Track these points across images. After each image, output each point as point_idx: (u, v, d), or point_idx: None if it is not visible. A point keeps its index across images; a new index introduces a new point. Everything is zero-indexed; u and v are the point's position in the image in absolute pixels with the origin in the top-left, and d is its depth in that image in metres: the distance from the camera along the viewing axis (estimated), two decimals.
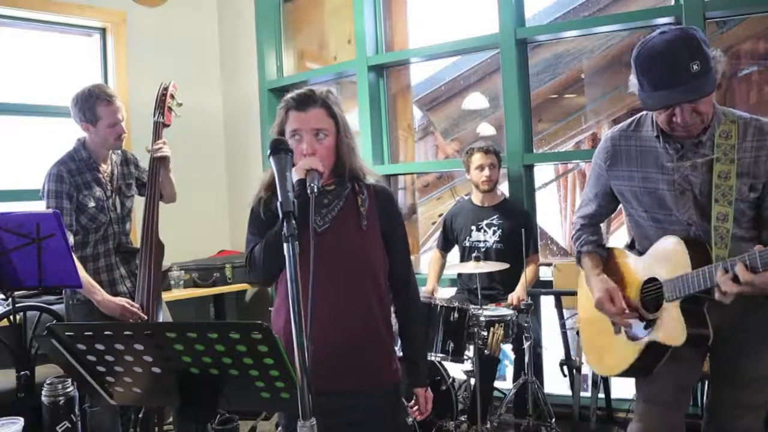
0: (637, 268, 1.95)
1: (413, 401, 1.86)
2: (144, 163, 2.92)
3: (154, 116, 2.88)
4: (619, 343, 1.97)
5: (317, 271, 1.47)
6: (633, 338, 1.91)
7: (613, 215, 2.24)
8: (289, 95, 1.76)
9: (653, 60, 1.69)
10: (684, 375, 1.91)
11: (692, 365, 1.92)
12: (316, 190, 1.52)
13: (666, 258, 1.83)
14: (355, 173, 1.77)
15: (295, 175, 1.57)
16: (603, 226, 2.20)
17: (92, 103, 2.65)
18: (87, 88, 2.69)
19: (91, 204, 2.67)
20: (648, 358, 1.88)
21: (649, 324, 1.87)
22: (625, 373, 1.96)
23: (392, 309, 1.91)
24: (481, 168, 3.40)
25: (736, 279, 1.58)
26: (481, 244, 3.40)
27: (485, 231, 3.42)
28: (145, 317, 2.64)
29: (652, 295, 1.87)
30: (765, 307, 1.80)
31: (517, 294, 3.23)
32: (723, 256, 1.72)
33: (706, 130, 1.78)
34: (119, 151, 2.87)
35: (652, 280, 1.88)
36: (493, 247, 3.38)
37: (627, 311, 1.90)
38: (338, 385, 1.68)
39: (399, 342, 1.94)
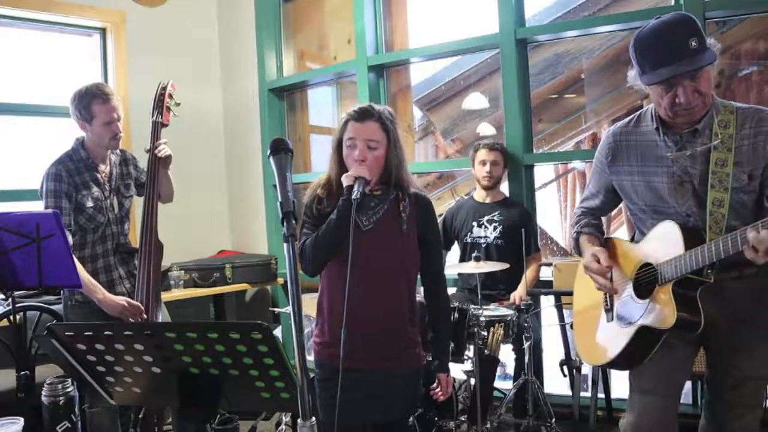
0: (634, 253, 1.96)
1: (436, 384, 2.10)
2: (143, 163, 2.91)
3: (153, 116, 2.86)
4: (611, 329, 1.98)
5: (357, 265, 1.78)
6: (625, 325, 1.92)
7: (613, 213, 2.25)
8: (351, 108, 1.99)
9: (652, 40, 1.73)
10: (677, 365, 1.91)
11: (685, 356, 1.93)
12: (359, 196, 1.81)
13: (661, 241, 1.84)
14: (401, 182, 2.01)
15: (345, 180, 1.89)
16: (603, 221, 2.20)
17: (88, 101, 2.63)
18: (85, 86, 2.67)
19: (89, 204, 2.65)
20: (639, 344, 1.87)
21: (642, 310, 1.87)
22: (615, 361, 1.95)
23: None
24: (483, 163, 3.43)
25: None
26: (482, 240, 3.40)
27: (486, 227, 3.42)
28: (145, 315, 2.64)
29: (647, 279, 1.88)
30: (757, 295, 1.81)
31: (519, 293, 3.23)
32: None
33: (703, 118, 1.79)
34: (118, 151, 2.85)
35: (647, 266, 1.89)
36: (494, 243, 3.38)
37: (611, 272, 1.92)
38: (368, 365, 1.95)
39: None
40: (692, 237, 1.76)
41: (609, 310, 2.01)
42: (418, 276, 2.12)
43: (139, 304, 2.64)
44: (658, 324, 1.79)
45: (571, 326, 2.34)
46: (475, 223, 3.45)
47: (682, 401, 2.04)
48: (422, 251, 2.04)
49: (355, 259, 1.77)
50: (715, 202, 1.77)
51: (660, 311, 1.80)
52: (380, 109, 1.98)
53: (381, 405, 1.97)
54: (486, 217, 3.43)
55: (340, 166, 1.99)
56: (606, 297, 2.03)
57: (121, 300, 2.62)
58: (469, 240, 3.44)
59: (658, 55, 1.71)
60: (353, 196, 1.81)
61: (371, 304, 1.94)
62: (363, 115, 1.95)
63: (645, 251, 1.91)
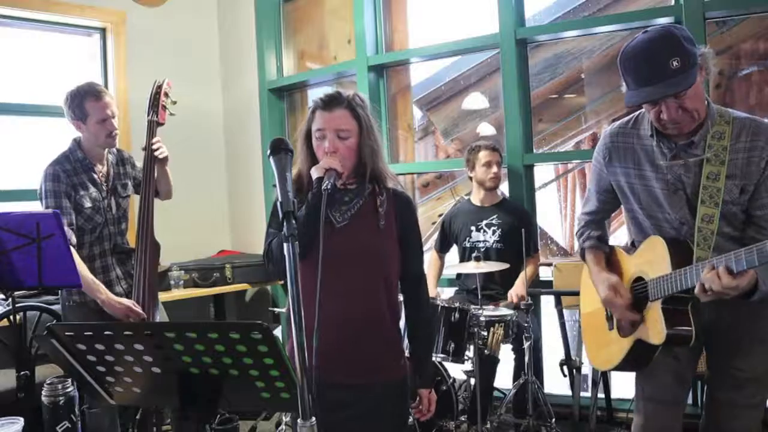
0: (628, 266, 1.97)
1: (417, 401, 1.89)
2: (140, 162, 2.90)
3: (149, 115, 2.86)
4: (613, 338, 1.99)
5: (332, 266, 1.58)
6: (624, 335, 1.93)
7: (613, 215, 2.25)
8: (319, 96, 1.82)
9: (634, 59, 1.72)
10: (681, 371, 1.92)
11: (689, 360, 1.94)
12: (329, 187, 1.62)
13: (650, 258, 1.85)
14: (377, 175, 1.82)
15: (314, 173, 1.69)
16: (607, 226, 2.20)
17: (80, 100, 2.63)
18: (77, 86, 2.67)
19: (87, 204, 2.65)
20: (637, 355, 1.90)
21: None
22: (619, 368, 1.99)
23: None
24: (488, 165, 3.41)
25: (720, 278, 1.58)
26: (481, 244, 3.40)
27: (485, 231, 3.42)
28: (146, 318, 2.63)
29: (640, 293, 1.89)
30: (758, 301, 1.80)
31: (516, 291, 3.23)
32: (705, 257, 1.73)
33: (698, 130, 1.78)
34: (115, 151, 2.85)
35: (639, 279, 1.90)
36: (493, 246, 3.38)
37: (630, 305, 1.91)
38: (347, 379, 1.75)
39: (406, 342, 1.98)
40: (680, 254, 1.76)
41: (610, 318, 2.02)
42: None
43: (141, 311, 2.63)
44: (652, 339, 1.81)
45: (579, 325, 2.35)
46: (473, 228, 3.45)
47: None
48: (402, 253, 1.85)
49: (327, 259, 1.55)
50: (705, 218, 1.76)
51: (652, 327, 1.81)
52: (349, 94, 1.80)
53: (365, 426, 1.77)
54: (484, 221, 3.43)
55: (311, 160, 1.81)
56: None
57: (127, 302, 2.61)
58: (468, 244, 3.44)
59: (638, 75, 1.71)
60: (323, 186, 1.63)
61: (348, 309, 1.75)
62: (330, 102, 1.77)
63: (637, 265, 1.92)
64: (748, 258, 1.53)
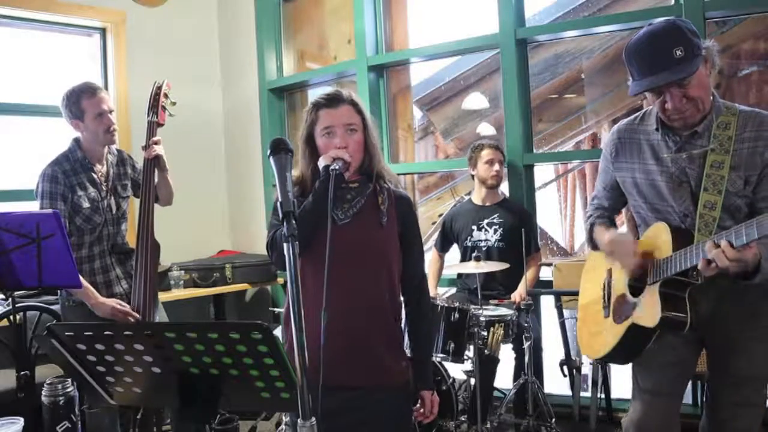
0: None
1: (419, 404, 1.87)
2: (140, 164, 2.90)
3: (148, 116, 2.86)
4: (607, 325, 1.99)
5: (334, 263, 1.57)
6: (619, 321, 1.93)
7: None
8: (318, 97, 1.84)
9: (639, 49, 1.74)
10: (680, 366, 1.92)
11: (687, 356, 1.93)
12: (338, 167, 1.64)
13: (653, 243, 1.85)
14: (379, 173, 1.84)
15: (322, 162, 1.71)
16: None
17: (76, 98, 2.64)
18: (73, 86, 2.69)
19: (86, 205, 2.65)
20: (630, 340, 1.88)
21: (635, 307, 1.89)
22: (611, 355, 1.97)
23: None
24: (491, 162, 3.42)
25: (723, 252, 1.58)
26: (483, 243, 3.40)
27: (486, 230, 3.42)
28: (138, 316, 2.61)
29: (639, 278, 1.89)
30: (755, 295, 1.80)
31: (520, 292, 3.24)
32: None
33: (703, 121, 1.79)
34: (115, 151, 2.85)
35: None
36: (495, 246, 3.38)
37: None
38: (350, 381, 1.72)
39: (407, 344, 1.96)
40: (681, 239, 1.76)
41: (606, 306, 2.02)
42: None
43: (128, 309, 2.62)
44: (646, 322, 1.81)
45: (576, 320, 2.35)
46: (474, 227, 3.45)
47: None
48: (403, 253, 1.85)
49: (330, 255, 1.55)
50: (707, 205, 1.77)
51: (648, 310, 1.81)
52: (348, 92, 1.84)
53: None
54: (486, 221, 3.43)
55: (314, 162, 1.79)
56: (604, 293, 2.04)
57: (111, 302, 2.60)
58: (469, 243, 3.44)
59: (642, 65, 1.73)
60: (332, 167, 1.63)
61: (351, 305, 1.72)
62: (335, 100, 1.79)
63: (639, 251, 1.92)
64: (748, 231, 1.53)
